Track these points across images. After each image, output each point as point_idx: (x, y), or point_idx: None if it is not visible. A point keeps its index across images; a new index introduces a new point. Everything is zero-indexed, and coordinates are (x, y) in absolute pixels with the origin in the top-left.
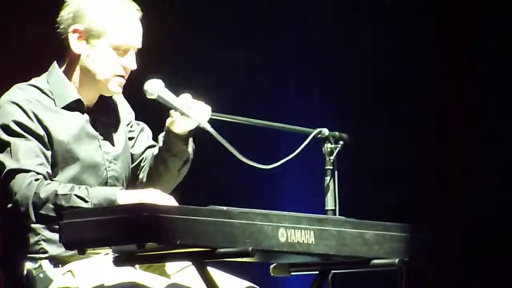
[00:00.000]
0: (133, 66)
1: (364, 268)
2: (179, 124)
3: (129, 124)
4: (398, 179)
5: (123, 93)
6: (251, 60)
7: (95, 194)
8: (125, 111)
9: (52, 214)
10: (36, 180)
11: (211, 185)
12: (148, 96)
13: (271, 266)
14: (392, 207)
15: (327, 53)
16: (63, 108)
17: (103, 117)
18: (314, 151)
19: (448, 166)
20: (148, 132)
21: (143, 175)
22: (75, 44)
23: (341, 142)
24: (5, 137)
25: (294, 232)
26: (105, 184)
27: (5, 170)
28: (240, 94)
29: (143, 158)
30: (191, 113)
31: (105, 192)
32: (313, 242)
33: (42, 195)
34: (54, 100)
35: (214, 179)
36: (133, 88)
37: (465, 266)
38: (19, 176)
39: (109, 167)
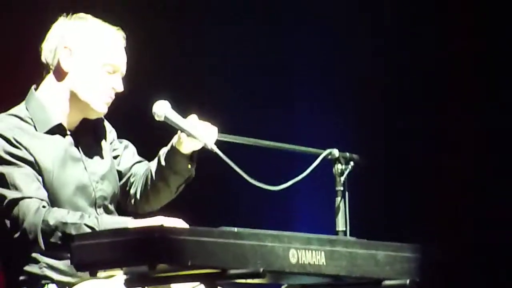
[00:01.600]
0: (120, 87)
1: None
2: (186, 144)
3: (112, 142)
4: (410, 200)
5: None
6: (261, 80)
7: (105, 223)
8: (107, 130)
9: (60, 242)
10: (43, 207)
11: (222, 206)
12: (156, 118)
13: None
14: (403, 227)
15: (337, 74)
16: (46, 133)
17: (85, 138)
18: (326, 172)
19: (461, 187)
20: (132, 148)
21: (134, 190)
22: (65, 60)
23: (352, 163)
24: None
25: (305, 253)
26: (94, 204)
27: (7, 200)
28: (250, 115)
29: (131, 174)
30: (198, 134)
31: (116, 221)
32: (324, 263)
33: (51, 223)
34: (35, 126)
35: (224, 200)
36: (136, 108)
37: (475, 286)
38: (23, 203)
39: (96, 187)
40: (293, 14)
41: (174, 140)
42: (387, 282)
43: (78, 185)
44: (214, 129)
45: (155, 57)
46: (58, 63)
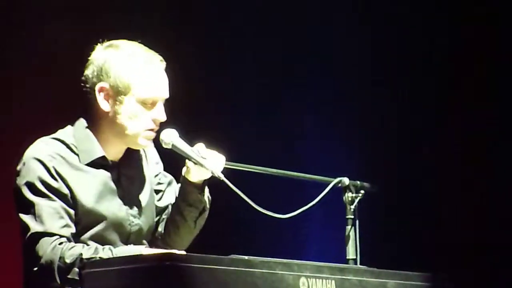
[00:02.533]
0: (163, 117)
1: None
2: (194, 173)
3: (157, 175)
4: (420, 228)
5: None
6: (272, 108)
7: (120, 254)
8: (153, 161)
9: (78, 277)
10: (60, 244)
11: (232, 234)
12: (164, 146)
13: None
14: (414, 256)
15: (347, 102)
16: (88, 164)
17: (128, 170)
18: (337, 200)
19: (473, 217)
20: (175, 186)
21: (161, 228)
22: (102, 102)
23: (362, 191)
24: (30, 196)
25: (316, 282)
26: (128, 239)
27: (30, 233)
28: (261, 144)
29: (166, 212)
30: (205, 162)
31: (129, 250)
32: None
33: (68, 260)
34: (78, 155)
35: (235, 228)
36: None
37: None
38: (44, 241)
39: (133, 222)
40: (305, 45)
41: (183, 171)
42: None
43: (113, 219)
44: (222, 157)
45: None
46: (98, 103)
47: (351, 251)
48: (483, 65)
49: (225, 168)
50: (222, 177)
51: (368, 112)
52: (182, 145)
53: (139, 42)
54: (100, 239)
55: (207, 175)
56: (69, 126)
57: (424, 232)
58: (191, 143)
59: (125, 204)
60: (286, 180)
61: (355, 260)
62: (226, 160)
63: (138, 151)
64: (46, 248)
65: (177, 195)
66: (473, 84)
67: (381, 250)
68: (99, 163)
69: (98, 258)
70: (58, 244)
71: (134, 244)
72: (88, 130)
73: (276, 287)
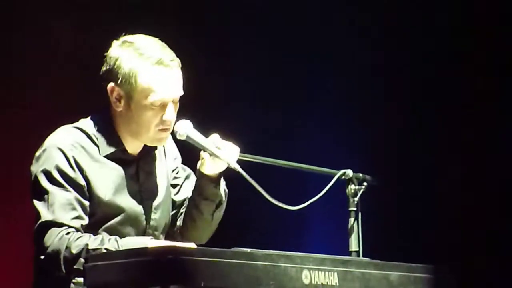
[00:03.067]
0: (172, 118)
1: None
2: (209, 165)
3: (174, 170)
4: (423, 220)
5: None
6: (279, 101)
7: (125, 246)
8: (172, 156)
9: (83, 268)
10: (67, 233)
11: (235, 227)
12: (178, 137)
13: None
14: (417, 248)
15: (351, 95)
16: (107, 156)
17: (146, 165)
18: (338, 192)
19: (476, 208)
20: (193, 180)
21: (180, 222)
22: (114, 103)
23: (365, 184)
24: (45, 184)
25: (318, 274)
26: (144, 233)
27: (40, 221)
28: (268, 136)
29: (184, 205)
30: (220, 153)
31: (135, 242)
32: (337, 284)
33: (74, 250)
34: (98, 146)
35: (237, 221)
36: None
37: None
38: (52, 231)
39: (149, 217)
40: (306, 41)
41: (198, 164)
42: None
43: (130, 214)
44: (236, 149)
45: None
46: (111, 101)
47: (354, 243)
48: (486, 58)
49: (238, 160)
50: (238, 168)
51: (370, 105)
52: (197, 136)
53: (155, 36)
54: (115, 233)
55: (222, 167)
56: (91, 116)
57: (427, 224)
58: (205, 135)
59: (142, 198)
60: (285, 173)
61: (357, 252)
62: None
63: (156, 146)
64: (54, 238)
65: (193, 190)
66: (475, 76)
67: (383, 242)
68: (118, 157)
69: (104, 249)
70: (65, 234)
71: (152, 238)
72: (109, 122)
73: (279, 280)
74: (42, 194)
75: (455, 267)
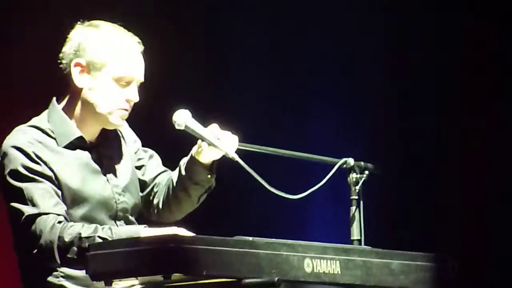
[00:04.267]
0: (135, 98)
1: None
2: (206, 154)
3: (136, 152)
4: (424, 208)
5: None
6: (278, 90)
7: (119, 234)
8: (131, 139)
9: (77, 257)
10: (59, 222)
11: (237, 215)
12: (177, 127)
13: None
14: (419, 236)
15: (351, 83)
16: (66, 147)
17: (107, 150)
18: (340, 181)
19: (477, 196)
20: (157, 158)
21: (157, 200)
22: (77, 77)
23: (366, 172)
24: (15, 183)
25: (320, 262)
26: (115, 217)
27: (24, 217)
28: (267, 124)
29: (155, 184)
30: (219, 143)
31: (129, 230)
32: (339, 272)
33: (67, 239)
34: (55, 139)
35: (239, 209)
36: (156, 117)
37: None
38: (40, 220)
39: (118, 199)
40: (307, 28)
41: (193, 150)
42: None
43: (99, 199)
44: (235, 138)
45: (176, 67)
46: (72, 78)
47: (356, 232)
48: (488, 49)
49: (237, 149)
50: (237, 158)
51: (372, 93)
52: (196, 126)
53: (120, 25)
54: (89, 219)
55: (218, 156)
56: (43, 112)
57: (428, 212)
58: (204, 125)
59: (108, 183)
60: (286, 161)
61: (359, 241)
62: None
63: (113, 131)
64: (44, 228)
65: (182, 173)
66: (476, 67)
67: (385, 231)
68: (77, 144)
69: (97, 237)
70: (56, 223)
71: (124, 221)
72: (62, 112)
73: (281, 268)
74: (16, 193)
75: (456, 255)
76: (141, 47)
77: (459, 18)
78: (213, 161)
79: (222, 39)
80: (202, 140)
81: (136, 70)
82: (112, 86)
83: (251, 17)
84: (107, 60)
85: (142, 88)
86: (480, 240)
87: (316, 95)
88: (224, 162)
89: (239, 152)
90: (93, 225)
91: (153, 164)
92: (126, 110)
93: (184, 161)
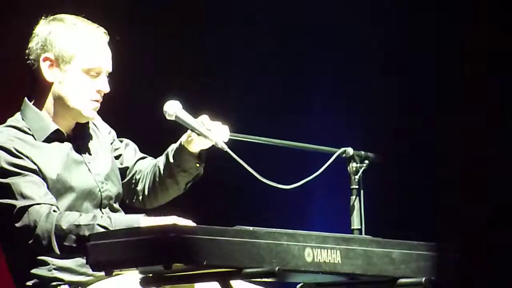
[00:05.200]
0: (106, 88)
1: (390, 287)
2: (196, 143)
3: (112, 143)
4: (425, 197)
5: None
6: (275, 80)
7: (118, 222)
8: (105, 131)
9: (75, 245)
10: (54, 211)
11: (237, 205)
12: (167, 117)
13: (298, 286)
14: (419, 225)
15: (351, 73)
16: (44, 141)
17: (84, 141)
18: (341, 170)
19: (477, 185)
20: (133, 146)
21: (141, 186)
22: (47, 72)
23: (366, 161)
24: (2, 180)
25: (321, 252)
26: (100, 205)
27: (16, 209)
28: (263, 114)
29: (136, 171)
30: (209, 133)
31: (128, 219)
32: (340, 262)
33: (64, 227)
34: (33, 135)
35: (240, 199)
36: (151, 109)
37: (491, 285)
38: (33, 210)
39: (102, 188)
40: (306, 17)
41: (183, 139)
42: (402, 281)
43: (83, 188)
44: (225, 128)
45: (167, 58)
46: (42, 74)
47: (356, 221)
48: (487, 37)
49: (229, 139)
50: (226, 148)
51: (371, 82)
52: (186, 117)
53: (83, 17)
54: (74, 209)
55: (208, 146)
56: (17, 113)
57: (429, 201)
58: (194, 115)
59: (90, 172)
60: (289, 151)
61: (360, 230)
62: (230, 131)
63: (87, 123)
64: (39, 217)
65: (170, 160)
66: (478, 55)
67: (386, 220)
68: (55, 138)
69: (96, 225)
70: (52, 211)
71: (109, 209)
72: (36, 108)
73: (282, 258)
74: (4, 190)
75: (457, 244)
76: (107, 37)
77: (459, 17)
78: (201, 150)
79: (218, 28)
80: (192, 131)
81: (105, 60)
82: (82, 78)
83: (249, 6)
84: (75, 52)
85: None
86: (482, 228)
87: (316, 85)
88: (223, 153)
89: (233, 142)
90: (91, 214)
91: (130, 151)
92: (97, 101)
93: (172, 148)
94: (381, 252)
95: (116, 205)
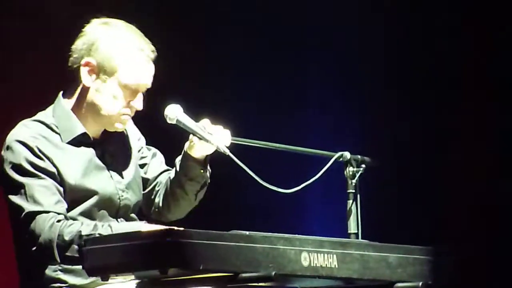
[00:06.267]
0: (140, 107)
1: None
2: (197, 148)
3: (140, 150)
4: (422, 202)
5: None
6: (273, 84)
7: (119, 230)
8: (135, 137)
9: (77, 255)
10: (58, 221)
11: (233, 210)
12: (168, 121)
13: None
14: (416, 229)
15: (349, 77)
16: (69, 142)
17: (110, 147)
18: (337, 174)
19: (474, 188)
20: (160, 157)
21: (159, 199)
22: (86, 77)
23: (363, 166)
24: (18, 177)
25: (317, 256)
26: (116, 213)
27: (24, 213)
28: (263, 118)
29: (157, 183)
30: (210, 137)
31: (129, 227)
32: (336, 266)
33: (67, 237)
34: (60, 134)
35: (236, 204)
36: (152, 113)
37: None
38: (40, 218)
39: (122, 196)
40: (304, 20)
41: (186, 146)
42: (399, 285)
43: (102, 194)
44: (227, 132)
45: (168, 62)
46: (80, 76)
47: (353, 225)
48: (486, 38)
49: (231, 143)
50: (228, 152)
51: (369, 86)
52: (187, 121)
53: (136, 27)
54: (89, 215)
55: (210, 151)
56: (49, 107)
57: (425, 205)
58: (195, 119)
59: (112, 179)
60: (285, 155)
61: (356, 234)
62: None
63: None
64: (44, 226)
65: (177, 169)
66: (474, 56)
67: (382, 224)
68: (81, 141)
69: (97, 235)
70: (55, 221)
71: (124, 219)
72: (67, 107)
73: (278, 262)
74: (17, 188)
75: (454, 248)
76: (154, 55)
77: (459, 16)
78: (206, 156)
79: (216, 32)
80: (193, 135)
81: (145, 79)
82: (118, 92)
83: (247, 12)
84: (119, 67)
85: None
86: (478, 233)
87: (313, 89)
88: (220, 156)
89: (233, 146)
90: (93, 223)
91: (156, 162)
92: (129, 115)
93: (179, 158)
94: (377, 256)
95: (133, 215)
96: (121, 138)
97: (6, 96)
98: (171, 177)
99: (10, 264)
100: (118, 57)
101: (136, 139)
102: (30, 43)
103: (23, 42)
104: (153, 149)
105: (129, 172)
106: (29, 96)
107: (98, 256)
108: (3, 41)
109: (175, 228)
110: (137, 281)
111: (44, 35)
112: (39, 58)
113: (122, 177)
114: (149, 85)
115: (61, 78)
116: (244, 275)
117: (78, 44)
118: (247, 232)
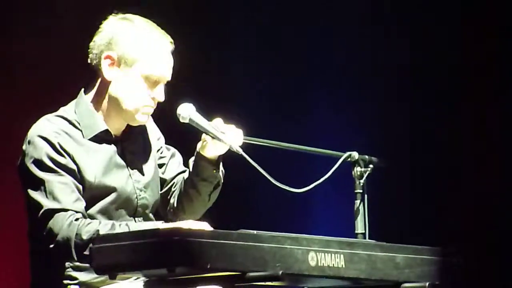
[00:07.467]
0: (162, 98)
1: None
2: (210, 148)
3: (159, 150)
4: (429, 202)
5: (153, 117)
6: (283, 84)
7: (136, 229)
8: (155, 137)
9: None
10: (76, 219)
11: (241, 209)
12: (181, 120)
13: None
14: (423, 229)
15: (357, 77)
16: (91, 139)
17: (131, 145)
18: (345, 175)
19: (482, 189)
20: (179, 157)
21: (173, 200)
22: (107, 70)
23: (371, 166)
24: (38, 173)
25: (324, 256)
26: (134, 213)
27: (43, 210)
28: (272, 118)
29: (174, 183)
30: (223, 136)
31: (146, 226)
32: (343, 266)
33: (84, 236)
34: (81, 131)
35: (244, 203)
36: (165, 112)
37: None
38: (58, 216)
39: (140, 195)
40: (312, 19)
41: (198, 146)
42: (406, 285)
43: (121, 193)
44: (239, 132)
45: (180, 62)
46: (101, 70)
47: (360, 225)
48: (488, 48)
49: (243, 143)
50: (241, 151)
51: (377, 87)
52: (200, 119)
53: (153, 21)
54: (107, 213)
55: (223, 151)
56: (71, 103)
57: (433, 205)
58: (208, 119)
59: (131, 178)
60: (292, 155)
61: (364, 235)
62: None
63: (139, 127)
64: (62, 225)
65: (190, 170)
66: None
67: (390, 224)
68: (102, 138)
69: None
70: (74, 220)
71: (142, 218)
72: (89, 104)
73: (285, 262)
74: (37, 183)
75: (462, 248)
76: (172, 47)
77: (459, 16)
78: (218, 156)
79: (228, 33)
80: (206, 134)
81: (166, 70)
82: (140, 83)
83: (258, 12)
84: (139, 57)
85: None
86: (487, 233)
87: (322, 89)
88: (228, 156)
89: (244, 145)
90: (110, 222)
91: (174, 163)
92: (152, 107)
93: (192, 159)
94: (385, 256)
95: (151, 215)
96: (142, 137)
97: (13, 93)
98: (185, 178)
99: (21, 260)
100: (138, 48)
101: (156, 138)
102: (40, 39)
103: (33, 37)
104: (172, 149)
105: (149, 171)
106: (39, 93)
107: (106, 254)
108: (11, 38)
109: (181, 227)
110: (145, 279)
111: (55, 34)
112: (47, 55)
113: (141, 176)
114: (169, 77)
115: (72, 76)
116: (251, 274)
117: (97, 40)
118: (255, 232)
